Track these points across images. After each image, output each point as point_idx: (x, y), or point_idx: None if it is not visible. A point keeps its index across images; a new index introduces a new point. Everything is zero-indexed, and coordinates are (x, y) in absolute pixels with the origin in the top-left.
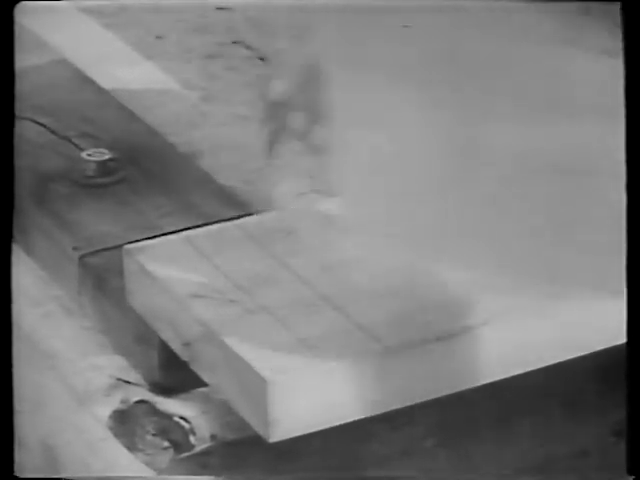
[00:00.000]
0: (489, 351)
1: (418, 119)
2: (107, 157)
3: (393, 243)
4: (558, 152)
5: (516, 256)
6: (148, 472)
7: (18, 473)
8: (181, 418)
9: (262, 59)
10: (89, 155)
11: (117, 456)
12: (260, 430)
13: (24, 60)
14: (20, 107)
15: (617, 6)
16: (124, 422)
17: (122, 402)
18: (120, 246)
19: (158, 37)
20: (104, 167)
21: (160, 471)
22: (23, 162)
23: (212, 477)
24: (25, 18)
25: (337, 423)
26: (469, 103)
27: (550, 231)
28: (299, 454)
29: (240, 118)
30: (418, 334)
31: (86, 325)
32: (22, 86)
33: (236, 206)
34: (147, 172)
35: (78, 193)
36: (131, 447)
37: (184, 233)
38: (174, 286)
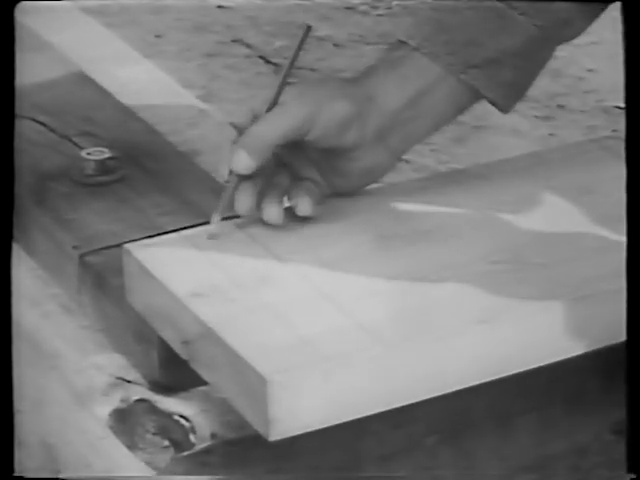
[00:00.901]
0: (489, 350)
1: None
2: (107, 156)
3: None
4: None
5: None
6: (148, 471)
7: (18, 473)
8: (181, 417)
9: (262, 57)
10: (89, 154)
11: (117, 455)
12: (260, 429)
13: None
14: (20, 106)
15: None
16: (124, 421)
17: (122, 401)
18: (120, 245)
19: (158, 36)
20: (104, 166)
21: (160, 470)
22: (23, 161)
23: (212, 476)
24: (25, 18)
25: (337, 422)
26: None
27: None
28: (299, 453)
29: (239, 116)
30: (419, 332)
31: (86, 324)
32: (22, 85)
33: None
34: (147, 171)
35: (78, 192)
36: (131, 446)
37: (184, 232)
38: (174, 285)
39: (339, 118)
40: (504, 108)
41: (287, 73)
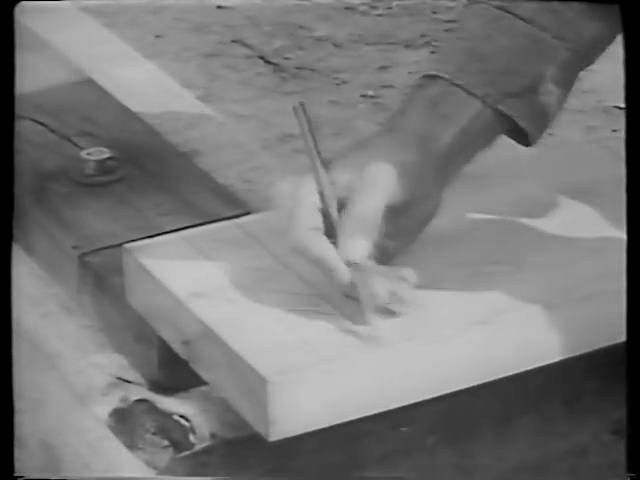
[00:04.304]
0: (489, 351)
1: None
2: (106, 156)
3: None
4: None
5: None
6: (148, 471)
7: (18, 473)
8: (181, 417)
9: (261, 58)
10: (88, 154)
11: (117, 455)
12: (260, 429)
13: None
14: (20, 106)
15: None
16: (124, 421)
17: (122, 401)
18: (120, 245)
19: (158, 36)
20: (103, 166)
21: (160, 470)
22: (23, 161)
23: (212, 476)
24: (25, 18)
25: (337, 422)
26: None
27: None
28: (299, 453)
29: (239, 116)
30: (419, 333)
31: (86, 324)
32: (22, 86)
33: (235, 205)
34: (146, 171)
35: (77, 192)
36: (131, 446)
37: (183, 232)
38: (173, 285)
39: (411, 169)
40: (533, 139)
41: (319, 157)
